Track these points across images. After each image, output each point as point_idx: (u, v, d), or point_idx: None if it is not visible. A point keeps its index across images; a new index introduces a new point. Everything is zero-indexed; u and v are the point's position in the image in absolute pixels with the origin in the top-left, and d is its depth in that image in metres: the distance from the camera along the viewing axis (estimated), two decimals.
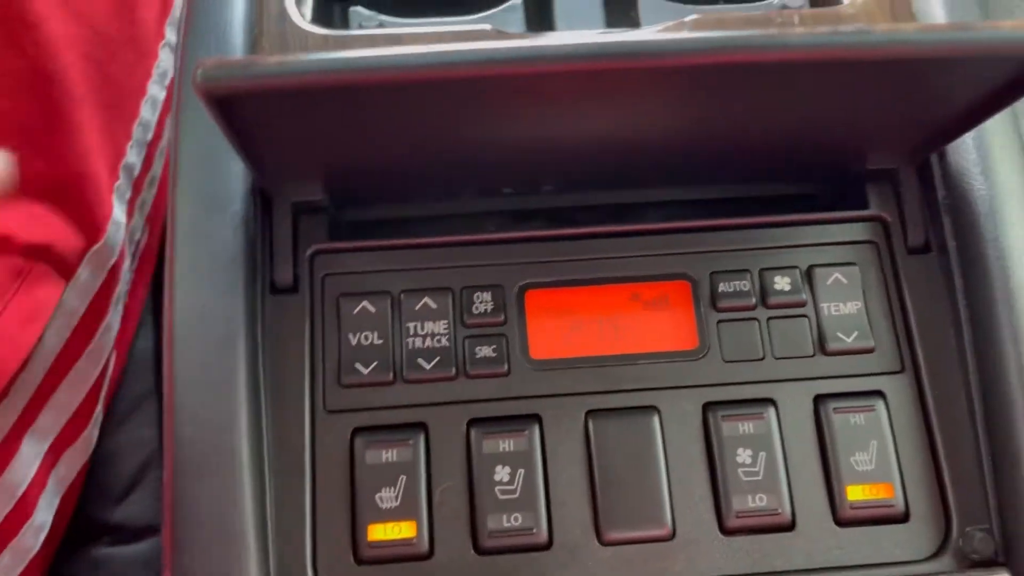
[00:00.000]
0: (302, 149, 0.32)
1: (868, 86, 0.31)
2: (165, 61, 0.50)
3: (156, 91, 0.50)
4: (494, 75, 0.25)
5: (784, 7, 0.39)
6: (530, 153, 0.35)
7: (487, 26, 0.37)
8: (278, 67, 0.24)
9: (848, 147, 0.36)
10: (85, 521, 0.48)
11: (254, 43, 0.37)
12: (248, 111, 0.27)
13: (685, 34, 0.25)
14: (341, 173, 0.35)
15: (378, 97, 0.28)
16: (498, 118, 0.31)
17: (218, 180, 0.35)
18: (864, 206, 0.37)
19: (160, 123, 0.50)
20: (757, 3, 0.41)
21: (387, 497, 0.33)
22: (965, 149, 0.36)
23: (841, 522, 0.33)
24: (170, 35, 0.51)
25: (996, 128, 0.36)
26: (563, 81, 0.28)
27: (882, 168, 0.37)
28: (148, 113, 0.49)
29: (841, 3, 0.38)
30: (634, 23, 0.40)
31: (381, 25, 0.39)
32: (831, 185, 0.38)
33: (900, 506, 0.33)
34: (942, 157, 0.36)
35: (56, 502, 0.44)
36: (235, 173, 0.35)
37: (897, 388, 0.35)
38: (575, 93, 0.29)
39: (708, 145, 0.36)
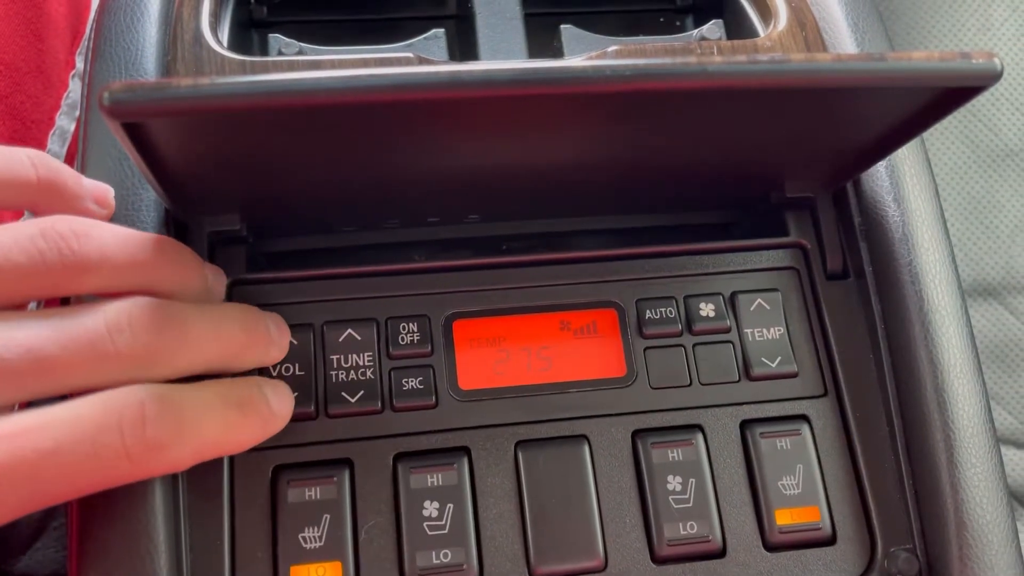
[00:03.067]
0: (217, 177, 0.31)
1: (784, 115, 0.31)
2: (75, 92, 0.48)
3: (65, 123, 0.48)
4: (417, 99, 0.24)
5: (703, 39, 0.40)
6: (454, 183, 0.35)
7: (409, 54, 0.37)
8: (191, 89, 0.23)
9: (766, 176, 0.37)
10: None
11: (167, 69, 0.35)
12: (159, 137, 0.26)
13: (608, 61, 0.25)
14: (259, 202, 0.34)
15: (297, 123, 0.27)
16: (420, 147, 0.31)
17: (129, 210, 0.34)
18: (784, 233, 0.38)
19: (70, 156, 0.48)
20: (676, 35, 0.42)
21: (311, 537, 0.31)
22: (878, 177, 0.37)
23: (770, 547, 0.33)
24: (81, 65, 0.49)
25: (907, 156, 0.37)
26: (485, 108, 0.27)
27: (800, 196, 0.37)
28: (56, 146, 0.47)
29: (758, 36, 0.39)
30: (557, 54, 0.40)
31: (301, 52, 0.38)
32: (753, 213, 0.39)
33: (827, 529, 0.34)
34: (857, 185, 0.38)
35: None
36: (147, 202, 0.34)
37: (820, 412, 0.35)
38: (497, 121, 0.29)
39: (631, 175, 0.36)
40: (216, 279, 0.33)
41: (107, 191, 0.33)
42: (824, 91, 0.28)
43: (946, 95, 0.29)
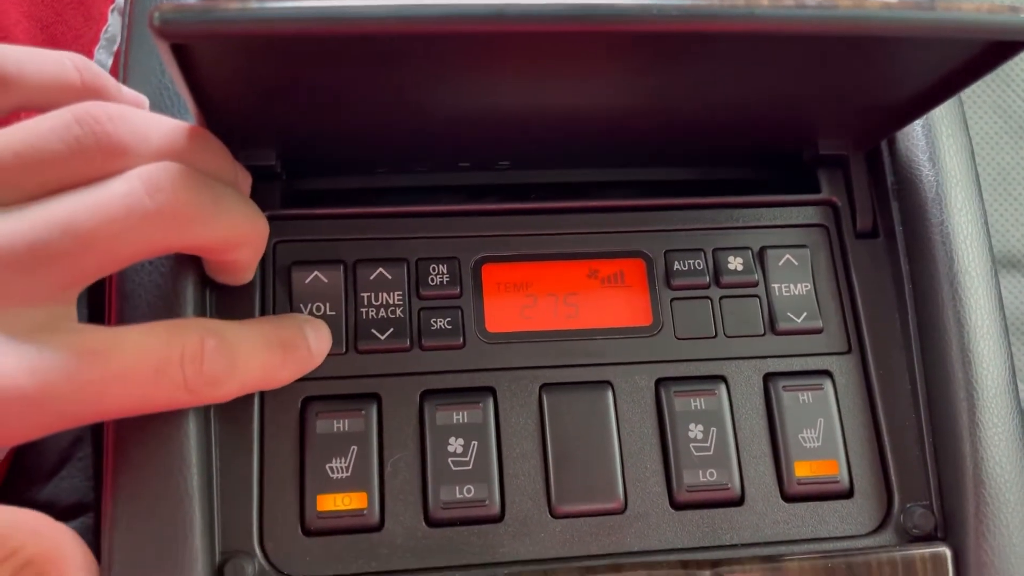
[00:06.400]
0: (257, 108, 0.31)
1: (822, 66, 0.31)
2: (114, 26, 0.48)
3: (103, 57, 0.48)
4: (463, 31, 0.24)
5: None
6: (488, 125, 0.35)
7: None
8: (239, 12, 0.23)
9: (800, 132, 0.37)
10: (10, 501, 0.46)
11: None
12: (204, 62, 0.26)
13: (653, 1, 0.25)
14: (295, 138, 0.34)
15: (338, 53, 0.27)
16: (456, 85, 0.31)
17: None
18: (816, 190, 0.38)
19: None
20: None
21: (338, 467, 0.32)
22: (914, 136, 0.37)
23: (788, 497, 0.34)
24: None
25: (943, 116, 0.37)
26: (524, 44, 0.27)
27: (833, 154, 0.37)
28: None
29: None
30: None
31: None
32: (785, 170, 0.39)
33: (844, 482, 0.34)
34: (891, 144, 0.37)
35: None
36: None
37: (844, 368, 0.35)
38: (533, 60, 0.29)
39: (664, 125, 0.36)
40: (243, 177, 0.33)
41: (144, 101, 0.33)
42: (867, 40, 0.28)
43: (988, 50, 0.29)
